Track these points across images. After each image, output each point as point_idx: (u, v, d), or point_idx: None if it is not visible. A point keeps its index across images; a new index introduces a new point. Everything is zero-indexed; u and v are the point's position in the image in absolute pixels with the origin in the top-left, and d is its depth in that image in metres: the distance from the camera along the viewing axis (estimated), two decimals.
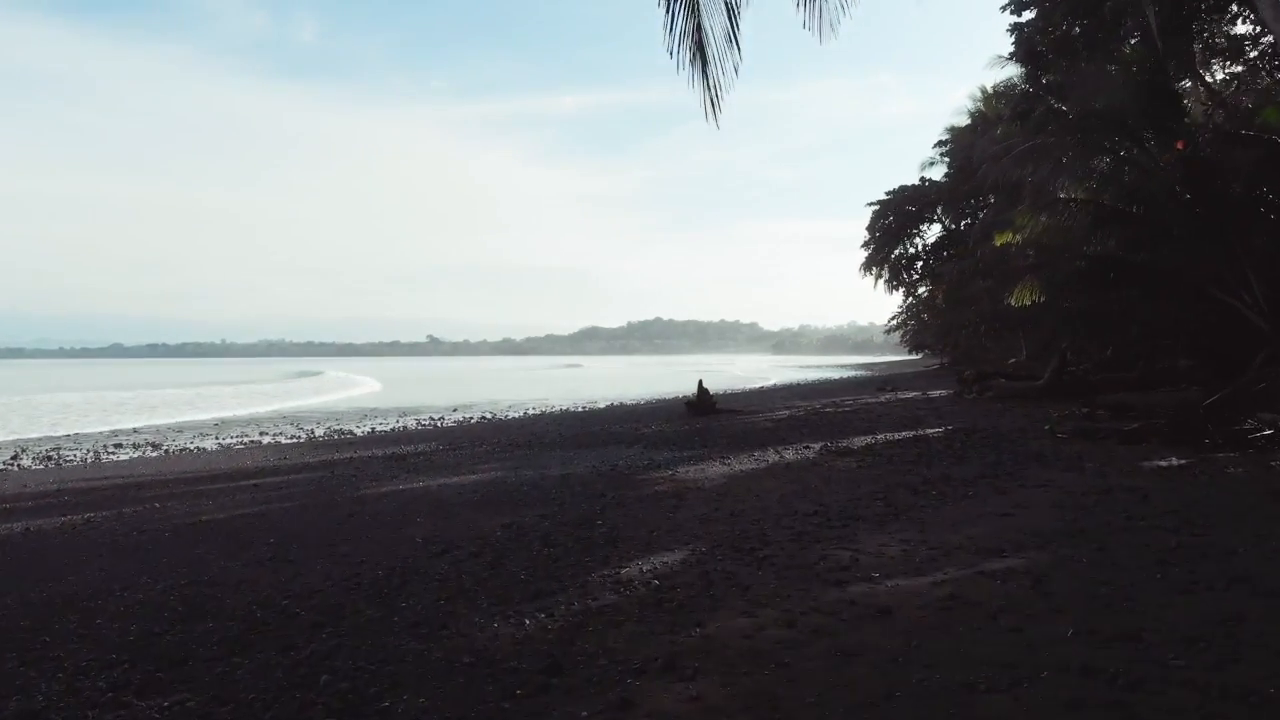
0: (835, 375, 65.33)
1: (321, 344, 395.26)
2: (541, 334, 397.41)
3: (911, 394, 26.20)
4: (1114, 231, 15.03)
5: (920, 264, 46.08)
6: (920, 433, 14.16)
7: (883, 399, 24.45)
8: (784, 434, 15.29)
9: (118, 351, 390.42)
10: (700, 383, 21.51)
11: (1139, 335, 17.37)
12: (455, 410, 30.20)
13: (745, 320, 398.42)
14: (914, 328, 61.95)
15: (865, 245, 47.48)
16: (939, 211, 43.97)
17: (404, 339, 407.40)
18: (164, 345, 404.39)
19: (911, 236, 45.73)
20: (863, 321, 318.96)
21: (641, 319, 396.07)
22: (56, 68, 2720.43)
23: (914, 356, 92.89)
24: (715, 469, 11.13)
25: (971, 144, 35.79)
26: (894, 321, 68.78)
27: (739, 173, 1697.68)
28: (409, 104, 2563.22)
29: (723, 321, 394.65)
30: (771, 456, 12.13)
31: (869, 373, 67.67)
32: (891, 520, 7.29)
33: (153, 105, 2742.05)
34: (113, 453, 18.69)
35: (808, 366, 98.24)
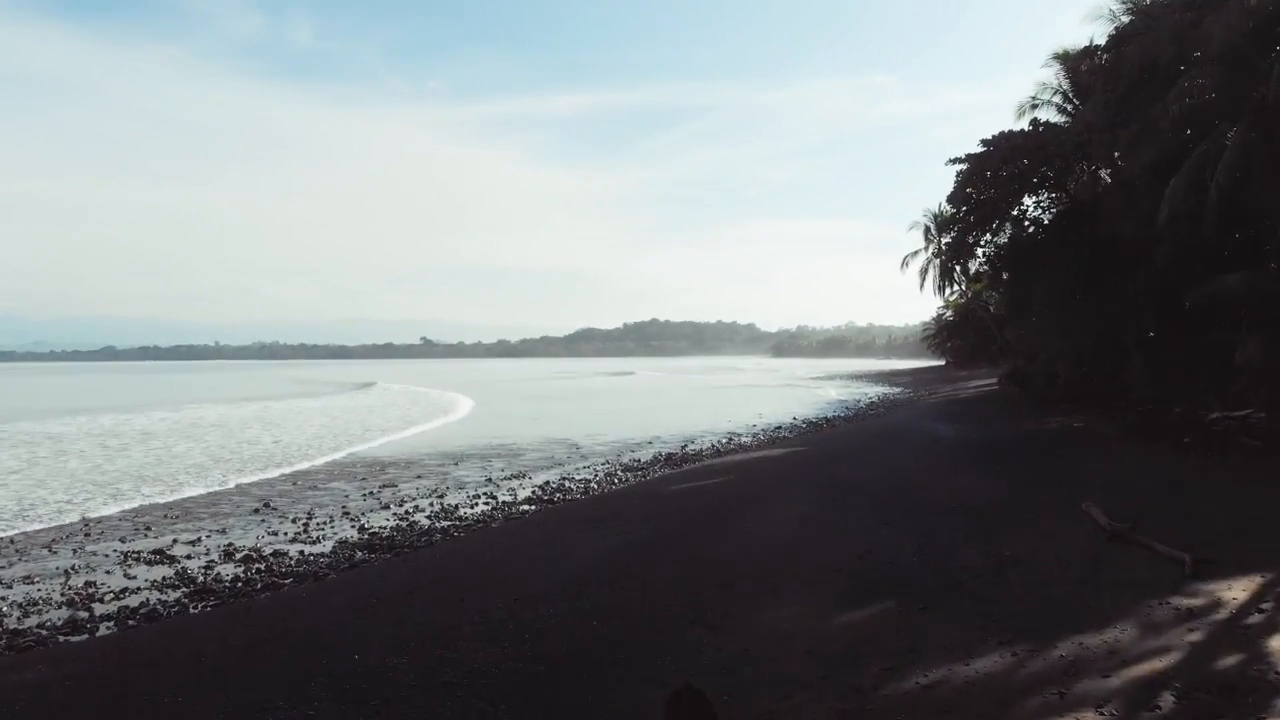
0: (876, 391, 55.08)
1: (314, 346, 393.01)
2: (537, 335, 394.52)
3: None
4: None
5: (1029, 244, 30.70)
6: None
7: None
8: None
9: (110, 354, 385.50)
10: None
11: None
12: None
13: (743, 321, 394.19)
14: (973, 340, 52.91)
15: (953, 223, 33.43)
16: (1074, 163, 27.84)
17: (398, 341, 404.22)
18: (157, 348, 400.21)
19: (1015, 209, 30.48)
20: (861, 323, 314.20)
21: (637, 320, 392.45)
22: (50, 69, 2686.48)
23: (937, 362, 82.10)
24: None
25: (1178, 26, 20.78)
26: (935, 323, 59.85)
27: (736, 173, 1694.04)
28: (405, 105, 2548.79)
29: (720, 323, 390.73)
30: None
31: (910, 391, 52.94)
32: None
33: (146, 107, 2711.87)
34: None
35: (835, 376, 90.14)
